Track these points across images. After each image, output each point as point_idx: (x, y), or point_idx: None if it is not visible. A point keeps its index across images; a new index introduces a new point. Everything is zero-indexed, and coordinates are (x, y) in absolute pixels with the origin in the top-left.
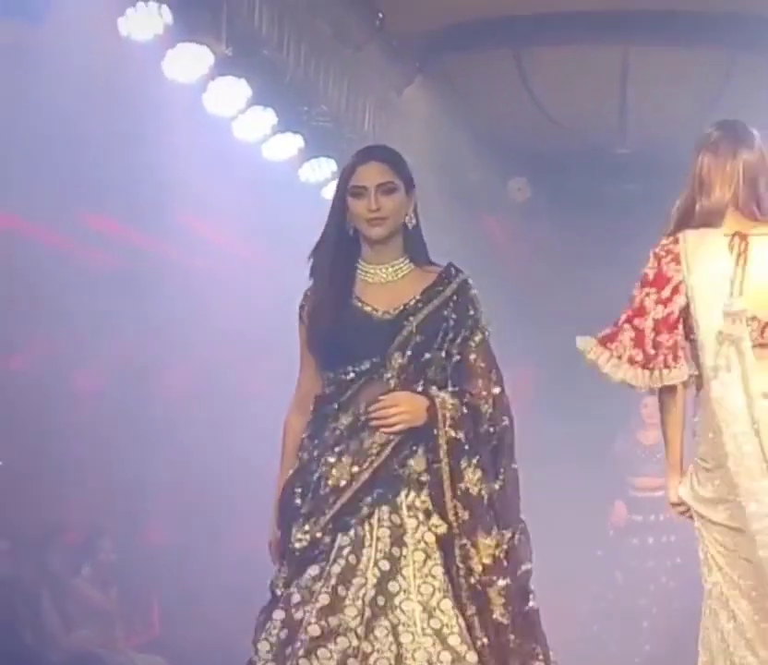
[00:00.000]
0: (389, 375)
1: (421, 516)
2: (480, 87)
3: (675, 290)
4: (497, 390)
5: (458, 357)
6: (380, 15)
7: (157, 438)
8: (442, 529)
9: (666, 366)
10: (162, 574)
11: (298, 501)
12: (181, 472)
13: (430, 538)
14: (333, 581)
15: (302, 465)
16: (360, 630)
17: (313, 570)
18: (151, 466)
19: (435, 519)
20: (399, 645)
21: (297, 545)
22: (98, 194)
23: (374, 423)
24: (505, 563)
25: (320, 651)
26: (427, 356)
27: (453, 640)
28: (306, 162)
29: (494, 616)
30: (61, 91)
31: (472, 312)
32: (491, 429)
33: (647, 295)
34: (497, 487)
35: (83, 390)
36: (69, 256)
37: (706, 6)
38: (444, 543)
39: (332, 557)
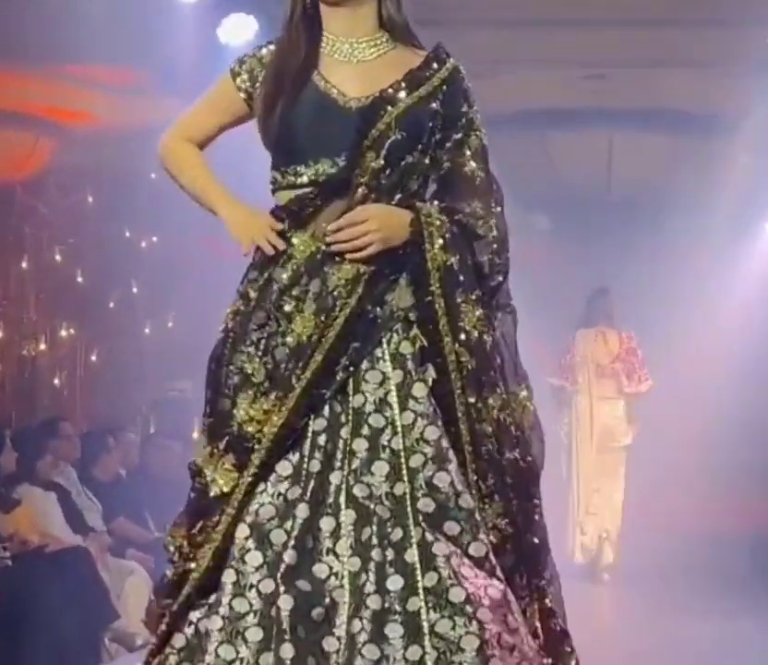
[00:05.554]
0: (359, 181)
1: (409, 365)
2: (513, 159)
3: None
4: (498, 209)
5: (447, 165)
6: None
7: None
8: (432, 377)
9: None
10: None
11: (247, 365)
12: None
13: (420, 390)
14: (312, 484)
15: (244, 313)
16: (345, 545)
17: (284, 467)
18: None
19: (429, 370)
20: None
21: (250, 429)
22: None
23: (337, 247)
24: (514, 433)
25: (298, 583)
26: (409, 159)
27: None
28: None
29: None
30: None
31: (465, 109)
32: (494, 259)
33: (566, 356)
34: (498, 335)
35: None
36: None
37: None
38: (443, 402)
39: (307, 449)
